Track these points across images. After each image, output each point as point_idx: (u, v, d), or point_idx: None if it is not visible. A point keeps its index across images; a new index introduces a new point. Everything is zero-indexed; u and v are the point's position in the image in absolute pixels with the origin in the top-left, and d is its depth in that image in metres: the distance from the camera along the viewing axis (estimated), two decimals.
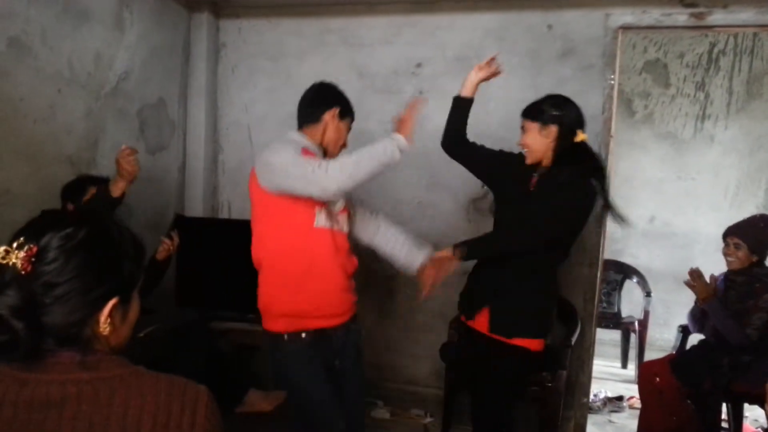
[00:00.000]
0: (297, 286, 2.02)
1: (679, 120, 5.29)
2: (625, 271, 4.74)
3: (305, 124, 2.24)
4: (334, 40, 3.69)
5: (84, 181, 2.74)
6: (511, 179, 2.33)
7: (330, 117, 2.20)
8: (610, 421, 3.51)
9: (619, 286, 4.71)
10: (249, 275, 3.61)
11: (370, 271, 3.69)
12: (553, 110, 2.21)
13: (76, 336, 0.92)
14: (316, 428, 2.02)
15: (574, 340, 3.02)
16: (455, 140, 2.42)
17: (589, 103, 3.22)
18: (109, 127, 3.21)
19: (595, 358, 3.29)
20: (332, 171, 1.89)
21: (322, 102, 2.23)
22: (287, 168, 1.95)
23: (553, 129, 2.19)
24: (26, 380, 0.89)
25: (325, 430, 2.02)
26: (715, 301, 2.78)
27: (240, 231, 3.73)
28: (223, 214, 3.95)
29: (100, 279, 0.93)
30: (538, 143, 2.22)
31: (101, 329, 0.93)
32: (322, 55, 3.71)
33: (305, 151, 2.08)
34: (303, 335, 2.02)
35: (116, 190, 2.35)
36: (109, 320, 0.93)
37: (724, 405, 3.03)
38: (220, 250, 3.67)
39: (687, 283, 2.82)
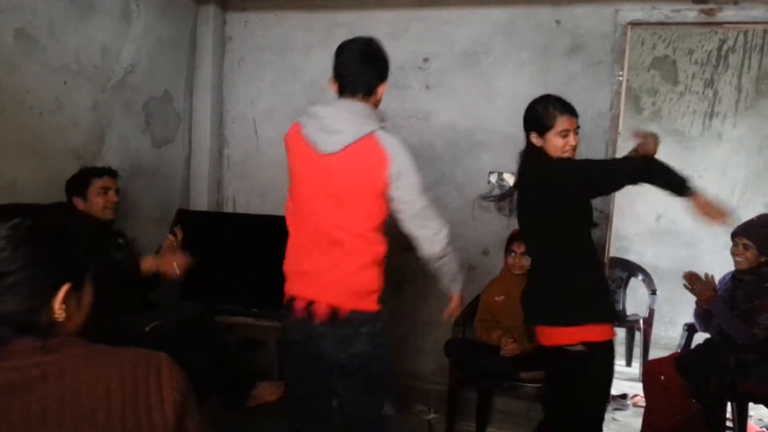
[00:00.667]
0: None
1: (686, 117, 5.26)
2: (631, 269, 4.71)
3: (368, 95, 2.07)
4: (342, 34, 3.64)
5: (87, 174, 2.75)
6: None
7: (382, 91, 2.12)
8: (614, 419, 3.49)
9: (625, 283, 4.69)
10: (253, 269, 3.63)
11: None
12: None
13: (31, 324, 0.94)
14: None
15: None
16: None
17: (597, 100, 3.21)
18: (116, 120, 3.21)
19: None
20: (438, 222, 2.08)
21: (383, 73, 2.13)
22: (424, 210, 2.04)
23: None
24: None
25: None
26: (718, 301, 2.77)
27: (244, 225, 3.76)
28: (228, 208, 3.95)
29: (49, 267, 0.95)
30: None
31: (56, 316, 0.95)
32: (329, 49, 3.64)
33: None
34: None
35: (146, 265, 2.56)
36: (63, 306, 0.96)
37: (728, 404, 3.02)
38: (225, 245, 3.67)
39: (685, 287, 2.80)
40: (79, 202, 2.69)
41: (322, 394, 2.06)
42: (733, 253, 2.90)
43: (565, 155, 2.16)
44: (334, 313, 1.96)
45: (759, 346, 2.74)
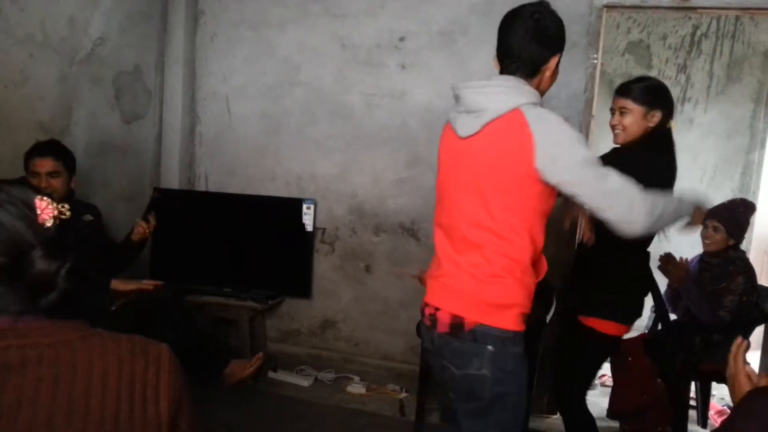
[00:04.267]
0: None
1: None
2: None
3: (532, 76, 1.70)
4: (317, 10, 3.62)
5: (28, 154, 2.59)
6: None
7: (555, 62, 1.72)
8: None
9: None
10: (226, 249, 3.60)
11: (347, 249, 3.68)
12: (660, 95, 2.15)
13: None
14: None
15: (549, 317, 3.04)
16: None
17: (571, 83, 3.22)
18: (84, 94, 3.13)
19: None
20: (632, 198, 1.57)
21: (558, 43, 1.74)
22: (601, 187, 1.56)
23: (658, 114, 2.13)
24: None
25: None
26: (688, 284, 2.82)
27: (217, 204, 3.72)
28: (200, 187, 3.90)
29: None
30: (638, 126, 2.14)
31: None
32: (304, 25, 3.64)
33: None
34: None
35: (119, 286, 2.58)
36: None
37: (692, 383, 3.10)
38: (197, 224, 3.63)
39: (660, 269, 2.85)
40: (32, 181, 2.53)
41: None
42: (703, 236, 2.94)
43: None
44: (456, 324, 1.62)
45: (724, 327, 2.81)
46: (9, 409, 0.85)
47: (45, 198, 0.92)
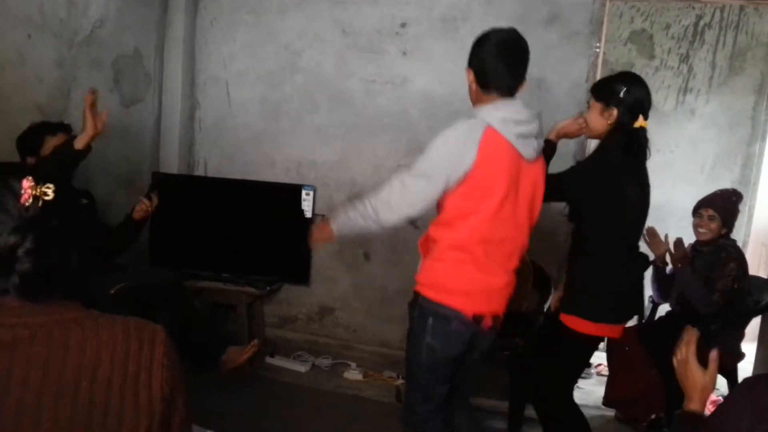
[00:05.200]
0: None
1: (661, 92, 5.28)
2: None
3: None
4: None
5: (40, 130, 2.55)
6: None
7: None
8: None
9: None
10: (225, 235, 3.60)
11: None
12: (614, 92, 2.11)
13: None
14: None
15: (546, 306, 3.05)
16: None
17: (572, 71, 3.21)
18: (82, 77, 3.10)
19: None
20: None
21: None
22: None
23: (614, 113, 2.11)
24: None
25: None
26: (688, 268, 2.83)
27: (216, 189, 3.71)
28: (199, 172, 3.89)
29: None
30: (596, 122, 2.15)
31: None
32: (305, 10, 3.62)
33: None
34: None
35: (79, 143, 2.25)
36: None
37: None
38: (196, 209, 3.62)
39: (643, 238, 2.83)
40: (31, 162, 2.50)
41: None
42: (697, 225, 2.96)
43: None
44: (497, 321, 1.99)
45: (720, 317, 2.82)
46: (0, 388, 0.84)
47: (29, 178, 0.89)
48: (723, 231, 2.93)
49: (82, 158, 2.30)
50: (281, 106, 3.70)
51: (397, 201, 1.86)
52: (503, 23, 3.30)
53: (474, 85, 1.94)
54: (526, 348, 2.68)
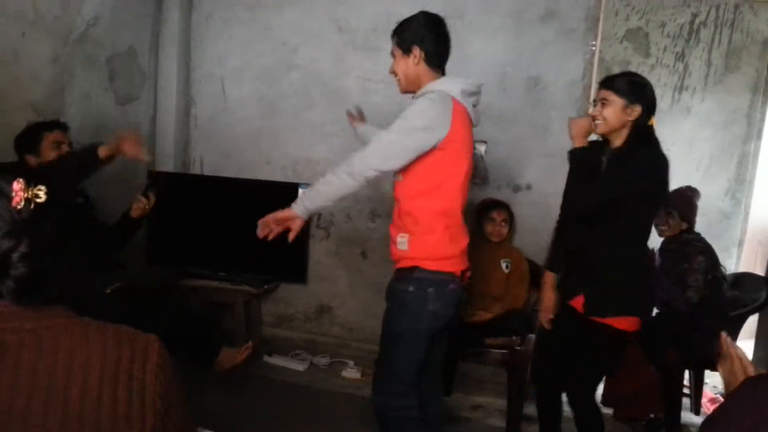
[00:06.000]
0: None
1: (657, 90, 5.15)
2: None
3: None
4: None
5: (38, 129, 2.58)
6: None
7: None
8: None
9: None
10: (221, 233, 3.58)
11: (343, 234, 3.67)
12: (642, 91, 2.14)
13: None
14: None
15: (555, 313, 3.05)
16: None
17: (569, 69, 3.21)
18: (77, 75, 3.09)
19: None
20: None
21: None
22: None
23: (637, 108, 2.11)
24: None
25: None
26: (657, 274, 2.92)
27: (212, 188, 3.69)
28: (195, 170, 3.87)
29: None
30: (617, 119, 2.13)
31: None
32: (301, 6, 3.60)
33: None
34: None
35: (103, 151, 2.42)
36: None
37: (686, 371, 3.12)
38: (192, 207, 3.61)
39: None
40: (31, 159, 2.54)
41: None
42: (657, 224, 3.02)
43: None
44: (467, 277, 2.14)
45: (716, 314, 2.84)
46: None
47: (21, 180, 0.87)
48: (684, 226, 3.04)
49: (101, 167, 2.45)
50: (277, 103, 3.69)
51: (384, 153, 1.97)
52: (499, 20, 3.32)
53: (421, 63, 2.05)
54: (547, 360, 2.51)
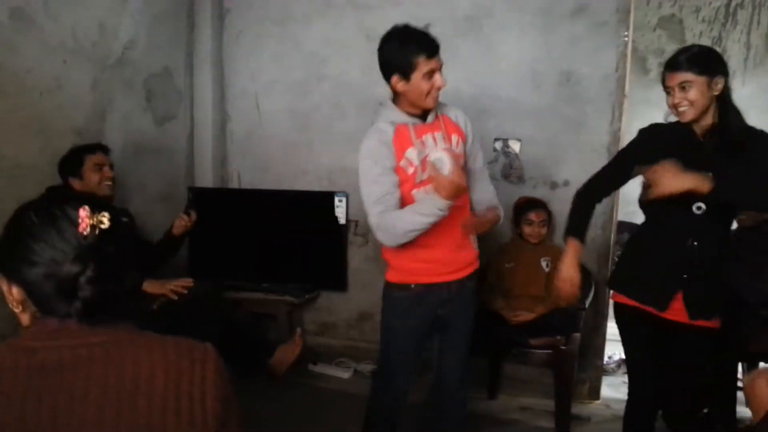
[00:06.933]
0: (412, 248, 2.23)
1: None
2: None
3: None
4: (341, 3, 3.61)
5: (79, 153, 2.70)
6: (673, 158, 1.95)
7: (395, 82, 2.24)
8: (624, 383, 3.50)
9: None
10: (262, 245, 3.64)
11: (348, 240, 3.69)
12: (715, 58, 1.99)
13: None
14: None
15: (588, 302, 3.01)
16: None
17: (602, 62, 3.16)
18: (117, 98, 3.18)
19: (608, 320, 3.28)
20: (378, 234, 2.19)
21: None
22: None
23: (721, 81, 1.95)
24: (35, 348, 0.91)
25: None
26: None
27: (251, 201, 3.75)
28: (233, 184, 3.94)
29: None
30: (705, 98, 1.94)
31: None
32: (329, 18, 3.64)
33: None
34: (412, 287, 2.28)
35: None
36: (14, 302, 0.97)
37: (739, 364, 3.03)
38: (232, 221, 3.67)
39: None
40: (75, 183, 2.65)
41: None
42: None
43: None
44: None
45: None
46: (66, 405, 0.87)
47: (86, 207, 0.92)
48: (766, 216, 2.85)
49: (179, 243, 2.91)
50: (310, 114, 3.73)
51: (393, 234, 2.18)
52: (527, 18, 3.29)
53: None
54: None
